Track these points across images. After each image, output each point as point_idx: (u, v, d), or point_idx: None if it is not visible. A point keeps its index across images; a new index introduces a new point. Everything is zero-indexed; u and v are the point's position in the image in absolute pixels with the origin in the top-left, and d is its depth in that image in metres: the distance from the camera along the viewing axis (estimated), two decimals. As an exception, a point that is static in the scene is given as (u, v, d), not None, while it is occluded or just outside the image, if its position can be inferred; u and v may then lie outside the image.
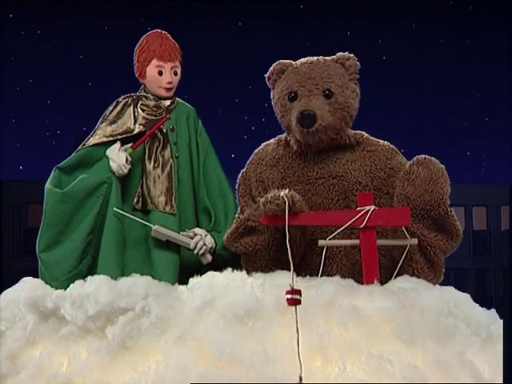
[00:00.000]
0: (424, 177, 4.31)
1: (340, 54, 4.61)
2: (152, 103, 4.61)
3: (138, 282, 4.12)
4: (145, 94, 4.65)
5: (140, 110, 4.57)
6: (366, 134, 4.67)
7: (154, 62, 4.58)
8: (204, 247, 4.51)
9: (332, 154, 4.56)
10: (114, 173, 4.44)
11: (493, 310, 4.21)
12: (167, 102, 4.64)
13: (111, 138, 4.52)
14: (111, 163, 4.43)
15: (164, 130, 4.58)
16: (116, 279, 4.20)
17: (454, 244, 4.40)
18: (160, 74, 4.58)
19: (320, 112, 4.41)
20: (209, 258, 4.55)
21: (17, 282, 4.46)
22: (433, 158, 4.41)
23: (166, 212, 4.50)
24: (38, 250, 4.46)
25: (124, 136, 4.54)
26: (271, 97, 4.66)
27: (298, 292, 3.71)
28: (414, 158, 4.43)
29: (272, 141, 4.75)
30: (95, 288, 4.10)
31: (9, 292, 4.42)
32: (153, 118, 4.57)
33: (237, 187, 4.72)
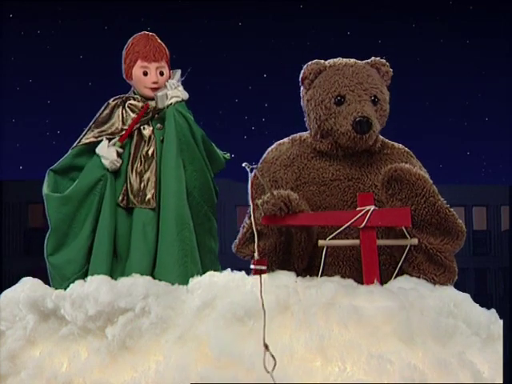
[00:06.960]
0: (408, 192, 4.22)
1: (375, 58, 4.58)
2: (140, 104, 4.67)
3: (137, 282, 4.13)
4: (133, 94, 4.71)
5: (129, 111, 4.64)
6: (381, 137, 4.62)
7: (139, 62, 4.64)
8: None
9: (349, 157, 4.51)
10: (107, 169, 4.56)
11: (493, 310, 4.21)
12: (154, 102, 4.66)
13: (100, 139, 4.62)
14: (103, 161, 4.54)
15: (150, 130, 4.61)
16: (106, 272, 4.35)
17: (460, 242, 4.34)
18: (145, 74, 4.65)
19: (374, 119, 4.39)
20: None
21: (17, 282, 4.46)
22: (403, 167, 4.27)
23: (145, 208, 4.54)
24: (46, 254, 4.59)
25: (113, 136, 4.61)
26: (302, 96, 4.58)
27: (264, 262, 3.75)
28: (383, 173, 4.28)
29: (286, 140, 4.69)
30: (95, 288, 4.11)
31: (9, 292, 4.42)
32: (141, 118, 4.63)
33: (249, 187, 4.66)
